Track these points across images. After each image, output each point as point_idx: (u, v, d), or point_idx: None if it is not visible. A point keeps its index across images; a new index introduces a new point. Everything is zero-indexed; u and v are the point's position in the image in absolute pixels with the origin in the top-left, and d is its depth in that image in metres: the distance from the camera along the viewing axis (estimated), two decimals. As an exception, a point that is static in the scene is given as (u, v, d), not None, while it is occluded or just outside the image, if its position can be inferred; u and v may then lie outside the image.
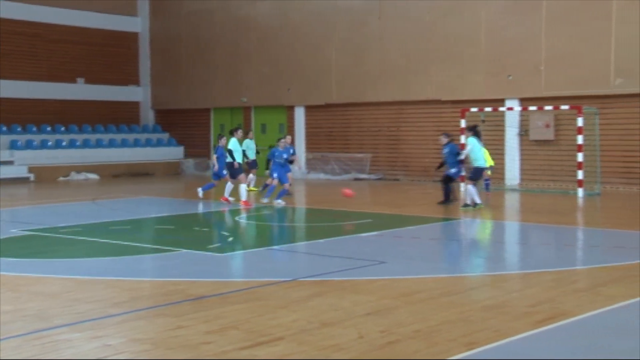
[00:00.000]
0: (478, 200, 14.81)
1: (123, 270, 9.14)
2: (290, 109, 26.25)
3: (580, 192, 17.73)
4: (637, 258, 9.31)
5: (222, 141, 17.07)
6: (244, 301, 7.39)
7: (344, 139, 24.89)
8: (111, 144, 27.72)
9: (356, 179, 23.71)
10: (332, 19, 24.80)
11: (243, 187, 16.11)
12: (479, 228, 12.92)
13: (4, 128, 25.88)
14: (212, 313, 6.84)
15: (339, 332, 6.13)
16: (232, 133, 16.71)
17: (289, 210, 15.72)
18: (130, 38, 29.97)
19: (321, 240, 11.37)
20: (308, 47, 25.40)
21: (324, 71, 25.02)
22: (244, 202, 15.90)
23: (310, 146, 25.69)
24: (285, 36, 25.96)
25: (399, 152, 23.57)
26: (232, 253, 10.52)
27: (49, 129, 27.00)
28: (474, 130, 15.42)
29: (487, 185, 17.88)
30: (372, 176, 23.83)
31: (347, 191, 15.25)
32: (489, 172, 17.70)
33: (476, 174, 15.28)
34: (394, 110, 23.76)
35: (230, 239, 12.00)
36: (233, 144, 16.40)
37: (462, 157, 15.57)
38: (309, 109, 25.80)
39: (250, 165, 19.24)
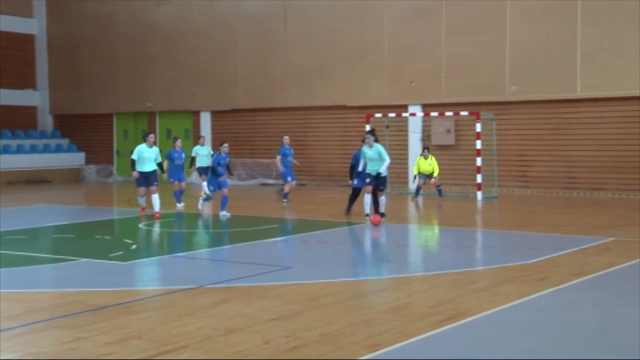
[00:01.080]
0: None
1: (19, 282, 8.75)
2: (196, 114, 25.94)
3: (479, 195, 18.39)
4: (530, 258, 9.75)
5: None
6: (148, 310, 7.24)
7: (250, 144, 24.81)
8: (6, 150, 26.52)
9: (263, 185, 23.68)
10: (237, 23, 24.70)
11: (142, 200, 14.92)
12: (384, 232, 13.15)
13: None
14: (114, 323, 6.65)
15: (244, 339, 6.11)
16: (144, 139, 14.96)
17: (195, 217, 15.51)
18: (26, 40, 28.79)
19: (227, 247, 11.28)
20: (213, 51, 25.19)
21: (230, 76, 24.88)
22: (143, 209, 14.98)
23: (217, 151, 25.42)
24: (190, 40, 25.65)
25: (305, 158, 23.70)
26: (135, 261, 10.27)
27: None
28: (375, 135, 14.01)
29: (439, 190, 18.33)
30: (279, 181, 23.86)
31: (376, 219, 13.16)
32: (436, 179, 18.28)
33: (385, 183, 14.28)
34: (300, 116, 23.90)
35: (134, 246, 11.71)
36: (137, 151, 14.78)
37: (362, 165, 13.85)
38: (215, 114, 25.59)
39: (200, 172, 17.97)
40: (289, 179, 17.70)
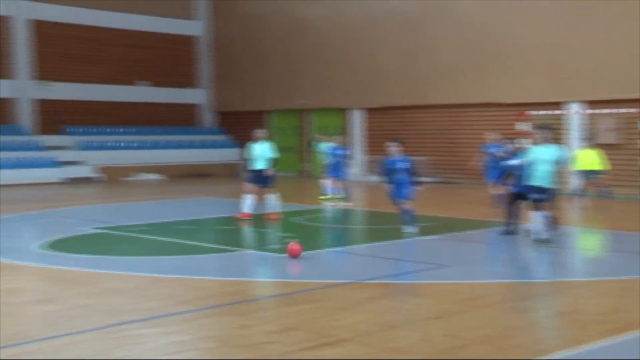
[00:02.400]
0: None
1: (188, 269, 9.29)
2: (348, 111, 26.29)
3: (647, 197, 17.21)
4: None
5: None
6: (306, 302, 7.41)
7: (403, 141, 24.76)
8: (168, 145, 28.26)
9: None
10: (386, 21, 24.75)
11: (248, 200, 13.61)
12: (544, 234, 12.64)
13: (71, 129, 26.69)
14: (275, 313, 6.89)
15: (403, 335, 6.11)
16: (255, 136, 13.95)
17: (349, 212, 15.71)
18: (190, 41, 30.50)
19: (382, 243, 11.33)
20: (363, 49, 25.40)
21: (380, 74, 24.98)
22: (242, 214, 13.58)
23: (371, 149, 25.67)
24: (341, 39, 26.02)
25: (457, 155, 23.33)
26: (292, 254, 10.55)
27: (120, 130, 27.71)
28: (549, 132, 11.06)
29: (603, 192, 16.29)
30: (431, 179, 23.63)
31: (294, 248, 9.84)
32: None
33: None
34: (452, 113, 23.55)
35: (289, 240, 12.04)
36: (248, 149, 14.00)
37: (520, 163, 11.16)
38: (368, 111, 25.81)
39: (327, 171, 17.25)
40: (492, 180, 15.23)
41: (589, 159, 16.41)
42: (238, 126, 29.97)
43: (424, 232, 12.53)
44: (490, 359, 5.47)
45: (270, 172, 13.69)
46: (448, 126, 23.67)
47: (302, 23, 27.31)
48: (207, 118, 30.87)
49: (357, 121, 26.03)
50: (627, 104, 19.05)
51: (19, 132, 25.48)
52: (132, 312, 6.93)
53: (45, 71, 26.54)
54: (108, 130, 27.65)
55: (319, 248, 11.27)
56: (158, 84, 29.28)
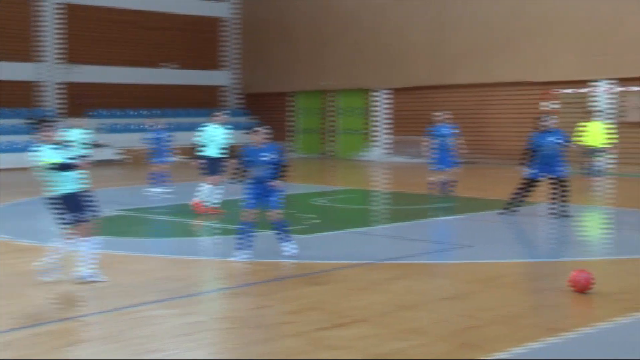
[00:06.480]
0: None
1: (206, 251, 9.32)
2: (372, 92, 26.13)
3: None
4: None
5: None
6: (324, 283, 7.42)
7: (428, 122, 24.56)
8: (196, 127, 28.27)
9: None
10: (412, 1, 24.44)
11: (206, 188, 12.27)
12: (567, 213, 12.48)
13: (96, 112, 26.88)
14: (293, 294, 6.91)
15: (418, 316, 6.09)
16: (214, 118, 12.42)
17: (371, 193, 15.66)
18: (217, 23, 30.46)
19: (403, 224, 11.28)
20: (390, 29, 25.16)
21: (407, 54, 24.75)
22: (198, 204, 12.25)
23: (396, 129, 25.51)
24: (367, 19, 25.80)
25: (483, 135, 23.10)
26: (311, 235, 10.56)
27: (145, 112, 27.81)
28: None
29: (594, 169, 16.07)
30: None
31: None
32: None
33: None
34: (478, 93, 23.28)
35: (310, 221, 12.05)
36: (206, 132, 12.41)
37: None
38: (393, 91, 25.62)
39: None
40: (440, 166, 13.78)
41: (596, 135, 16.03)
42: (265, 108, 29.92)
43: (447, 212, 12.46)
44: (503, 342, 5.44)
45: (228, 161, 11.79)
46: (474, 106, 23.40)
47: (329, 2, 27.08)
48: (232, 100, 30.88)
49: (382, 102, 25.85)
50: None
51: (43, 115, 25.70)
52: (149, 293, 6.99)
53: (72, 54, 26.71)
54: (132, 113, 27.75)
55: (339, 229, 11.26)
56: (184, 66, 29.32)
